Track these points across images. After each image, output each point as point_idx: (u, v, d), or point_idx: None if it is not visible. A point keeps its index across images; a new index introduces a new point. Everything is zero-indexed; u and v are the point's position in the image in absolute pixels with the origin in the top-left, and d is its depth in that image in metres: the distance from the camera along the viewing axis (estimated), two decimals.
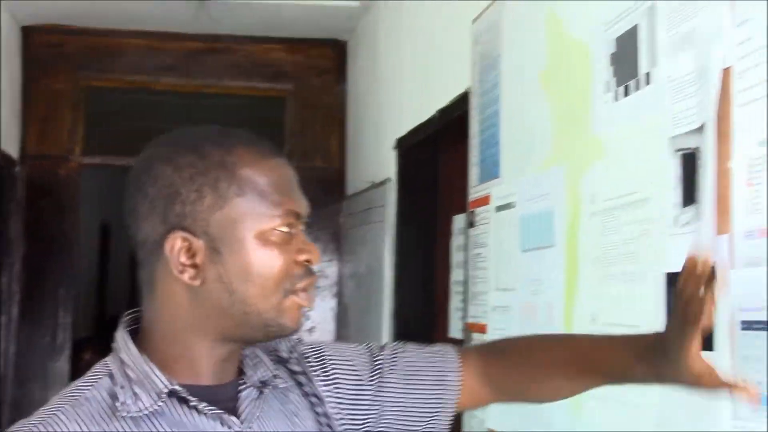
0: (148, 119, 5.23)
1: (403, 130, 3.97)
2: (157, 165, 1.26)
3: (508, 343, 1.60)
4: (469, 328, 2.90)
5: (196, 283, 1.25)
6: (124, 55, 5.31)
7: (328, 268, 5.32)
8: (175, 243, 1.24)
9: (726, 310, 1.52)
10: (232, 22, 5.15)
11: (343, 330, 5.15)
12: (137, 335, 1.30)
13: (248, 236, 1.24)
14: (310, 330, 5.27)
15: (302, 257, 1.27)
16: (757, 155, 1.46)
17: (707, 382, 1.23)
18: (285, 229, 1.25)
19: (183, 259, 1.24)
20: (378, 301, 4.28)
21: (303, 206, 1.30)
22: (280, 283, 1.25)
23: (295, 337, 1.41)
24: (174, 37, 5.32)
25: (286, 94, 5.49)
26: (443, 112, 3.40)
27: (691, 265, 1.20)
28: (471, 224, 2.94)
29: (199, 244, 1.24)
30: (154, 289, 1.28)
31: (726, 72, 1.55)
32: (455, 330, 3.41)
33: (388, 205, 4.18)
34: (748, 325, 1.46)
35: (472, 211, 2.92)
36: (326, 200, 5.25)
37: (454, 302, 3.47)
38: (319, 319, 5.29)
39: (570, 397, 1.52)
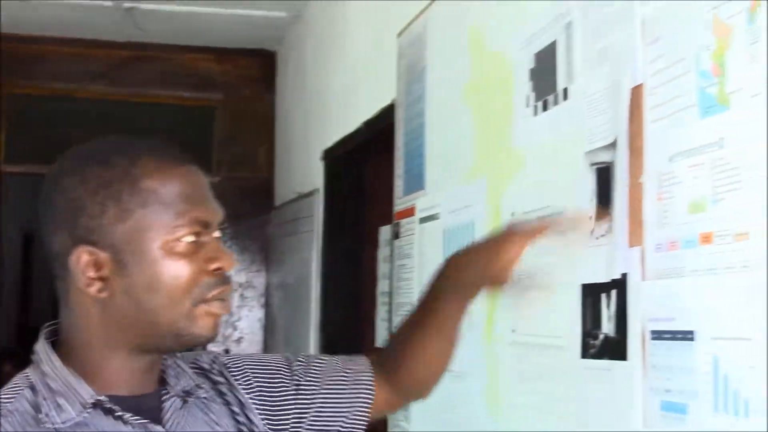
0: (74, 127, 5.17)
1: (331, 141, 3.98)
2: (64, 177, 1.26)
3: (391, 342, 1.64)
4: None
5: (104, 296, 1.24)
6: (49, 62, 5.25)
7: (255, 279, 5.31)
8: (81, 257, 1.23)
9: (637, 320, 1.56)
10: (161, 31, 5.12)
11: (271, 340, 5.14)
12: (58, 347, 1.30)
13: (153, 248, 1.23)
14: (238, 340, 5.26)
15: (213, 266, 1.26)
16: (667, 170, 1.50)
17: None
18: (191, 238, 1.25)
19: (90, 273, 1.24)
20: (305, 311, 4.29)
21: (213, 214, 1.29)
22: (188, 292, 1.25)
23: (221, 349, 1.41)
24: (101, 45, 5.27)
25: (215, 104, 5.47)
26: (369, 123, 3.42)
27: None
28: (396, 235, 2.96)
29: (104, 257, 1.23)
30: (67, 302, 1.28)
31: (637, 89, 1.59)
32: (381, 340, 3.42)
33: (315, 215, 4.19)
34: (658, 335, 1.50)
35: (397, 223, 2.94)
36: (255, 210, 5.25)
37: (381, 313, 3.48)
38: (247, 329, 5.27)
39: (452, 353, 1.58)
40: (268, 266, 5.27)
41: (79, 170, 1.25)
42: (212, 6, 4.77)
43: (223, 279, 1.28)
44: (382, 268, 3.49)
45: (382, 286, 3.46)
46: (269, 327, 5.21)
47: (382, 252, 3.51)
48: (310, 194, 4.30)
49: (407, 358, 1.55)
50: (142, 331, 1.26)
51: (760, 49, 1.29)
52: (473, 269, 1.50)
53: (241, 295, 5.29)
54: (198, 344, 1.30)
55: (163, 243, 1.24)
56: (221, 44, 5.37)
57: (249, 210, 5.28)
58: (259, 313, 5.30)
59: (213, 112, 5.48)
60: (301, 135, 4.75)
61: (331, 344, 3.92)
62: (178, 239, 1.24)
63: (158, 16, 4.86)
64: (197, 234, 1.26)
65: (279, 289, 5.00)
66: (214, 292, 1.27)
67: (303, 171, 4.59)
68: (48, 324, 1.33)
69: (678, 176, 1.47)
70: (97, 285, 1.24)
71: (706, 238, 1.39)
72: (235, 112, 5.46)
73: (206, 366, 1.43)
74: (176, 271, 1.24)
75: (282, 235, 4.93)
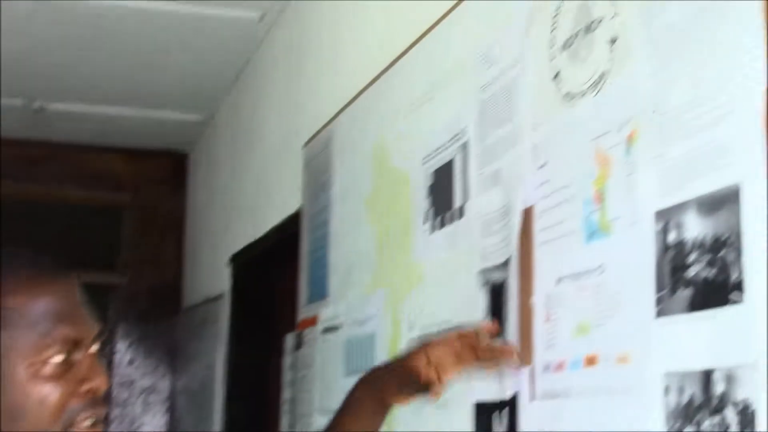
0: None
1: (239, 245, 3.97)
2: None
3: None
4: None
5: None
6: None
7: (160, 383, 5.21)
8: None
9: None
10: (71, 131, 5.09)
11: None
12: None
13: (17, 371, 1.16)
14: None
15: (84, 387, 1.19)
16: (555, 293, 1.53)
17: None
18: (60, 358, 1.18)
19: None
20: (209, 418, 4.21)
21: (85, 330, 1.21)
22: (57, 418, 1.17)
23: None
24: (10, 144, 5.21)
25: (124, 204, 5.43)
26: (277, 230, 3.43)
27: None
28: (299, 345, 2.95)
29: None
30: None
31: (528, 211, 1.63)
32: None
33: (221, 320, 4.15)
34: None
35: (300, 332, 2.93)
36: (162, 313, 5.19)
37: (284, 422, 3.44)
38: None
39: None
40: (174, 371, 5.18)
41: None
42: (124, 108, 4.78)
43: (94, 401, 1.20)
44: (287, 375, 3.46)
45: (286, 393, 3.43)
46: None
47: (287, 359, 3.48)
48: (217, 298, 4.27)
49: None
50: None
51: (637, 180, 1.33)
52: (381, 382, 1.53)
53: (145, 401, 5.18)
54: None
55: (29, 365, 1.16)
56: (133, 145, 5.36)
57: (156, 313, 5.22)
58: (162, 420, 5.18)
59: (122, 212, 5.43)
60: (210, 238, 4.73)
61: None
62: (44, 360, 1.17)
63: (69, 116, 4.84)
64: (68, 353, 1.19)
65: (183, 394, 4.91)
66: (85, 416, 1.19)
67: (211, 275, 4.56)
68: None
69: (565, 299, 1.50)
70: None
71: (591, 360, 1.42)
72: (145, 213, 5.42)
73: None
74: (43, 395, 1.16)
75: (189, 339, 4.86)
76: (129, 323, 5.25)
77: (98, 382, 1.20)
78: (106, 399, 1.25)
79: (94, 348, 1.23)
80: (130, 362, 5.24)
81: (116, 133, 5.17)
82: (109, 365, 5.21)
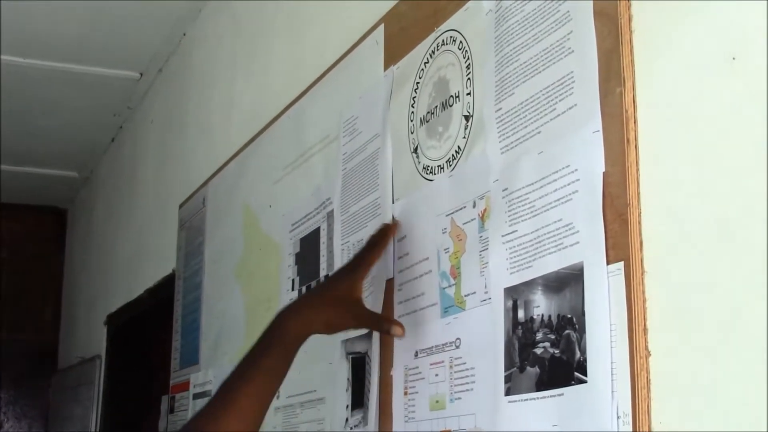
0: None
1: (114, 306, 3.89)
2: None
3: None
4: None
5: None
6: None
7: None
8: None
9: None
10: None
11: None
12: None
13: None
14: None
15: None
16: (413, 366, 1.53)
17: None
18: None
19: None
20: None
21: None
22: None
23: None
24: None
25: (1, 261, 5.28)
26: (152, 292, 3.37)
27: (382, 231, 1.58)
28: (171, 409, 2.89)
29: None
30: None
31: (389, 283, 1.63)
32: None
33: (96, 382, 4.04)
34: None
35: (173, 396, 2.87)
36: (37, 374, 5.03)
37: None
38: None
39: None
40: None
41: None
42: (2, 163, 4.66)
43: None
44: None
45: None
46: None
47: (161, 423, 3.41)
48: (92, 360, 4.16)
49: None
50: None
51: (489, 256, 1.35)
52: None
53: None
54: None
55: None
56: (10, 200, 5.22)
57: (30, 373, 5.06)
58: None
59: None
60: (87, 298, 4.62)
61: None
62: None
63: None
64: None
65: None
66: None
67: (87, 335, 4.45)
68: None
69: (422, 372, 1.50)
70: None
71: None
72: (21, 270, 5.28)
73: None
74: None
75: (63, 401, 4.72)
76: (1, 385, 5.07)
77: None
78: None
79: None
80: (0, 425, 5.06)
81: None
82: None
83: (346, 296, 1.50)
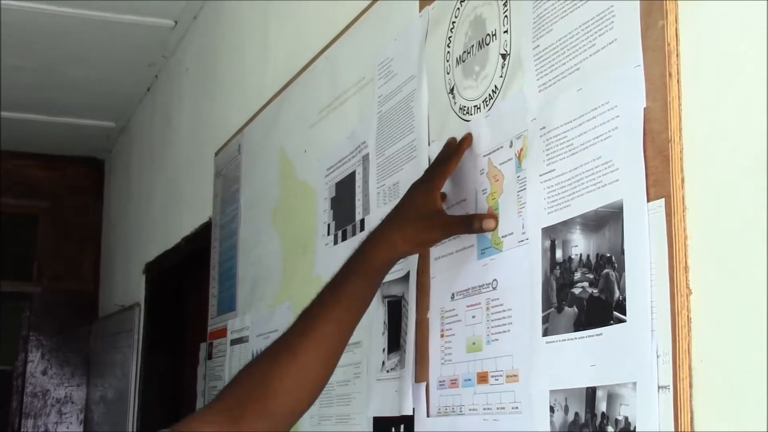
0: None
1: (152, 255, 3.91)
2: None
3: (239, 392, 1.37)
4: None
5: None
6: None
7: (75, 393, 5.12)
8: None
9: None
10: None
11: None
12: None
13: None
14: None
15: None
16: (449, 308, 1.52)
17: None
18: None
19: None
20: (123, 427, 4.14)
21: None
22: None
23: None
24: None
25: (39, 211, 5.32)
26: (188, 240, 3.38)
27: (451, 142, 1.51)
28: (210, 355, 2.91)
29: None
30: None
31: None
32: None
33: (136, 330, 4.08)
34: None
35: (211, 343, 2.89)
36: (77, 322, 5.09)
37: None
38: None
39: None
40: (90, 380, 5.08)
41: None
42: (40, 113, 4.68)
43: None
44: (200, 385, 3.41)
45: (200, 402, 3.38)
46: None
47: (201, 369, 3.44)
48: (131, 308, 4.20)
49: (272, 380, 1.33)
50: None
51: (526, 196, 1.33)
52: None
53: (59, 411, 5.08)
54: None
55: None
56: (48, 151, 5.25)
57: (71, 322, 5.12)
58: (77, 429, 5.09)
59: (37, 220, 5.32)
60: (125, 247, 4.65)
61: None
62: None
63: None
64: None
65: (99, 404, 4.83)
66: None
67: (125, 284, 4.49)
68: None
69: (458, 315, 1.49)
70: None
71: (483, 378, 1.41)
72: (61, 220, 5.32)
73: None
74: None
75: (104, 348, 4.78)
76: (43, 333, 5.14)
77: None
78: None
79: None
80: (44, 372, 5.14)
81: (32, 139, 5.06)
82: (22, 375, 5.11)
83: (428, 209, 1.43)
